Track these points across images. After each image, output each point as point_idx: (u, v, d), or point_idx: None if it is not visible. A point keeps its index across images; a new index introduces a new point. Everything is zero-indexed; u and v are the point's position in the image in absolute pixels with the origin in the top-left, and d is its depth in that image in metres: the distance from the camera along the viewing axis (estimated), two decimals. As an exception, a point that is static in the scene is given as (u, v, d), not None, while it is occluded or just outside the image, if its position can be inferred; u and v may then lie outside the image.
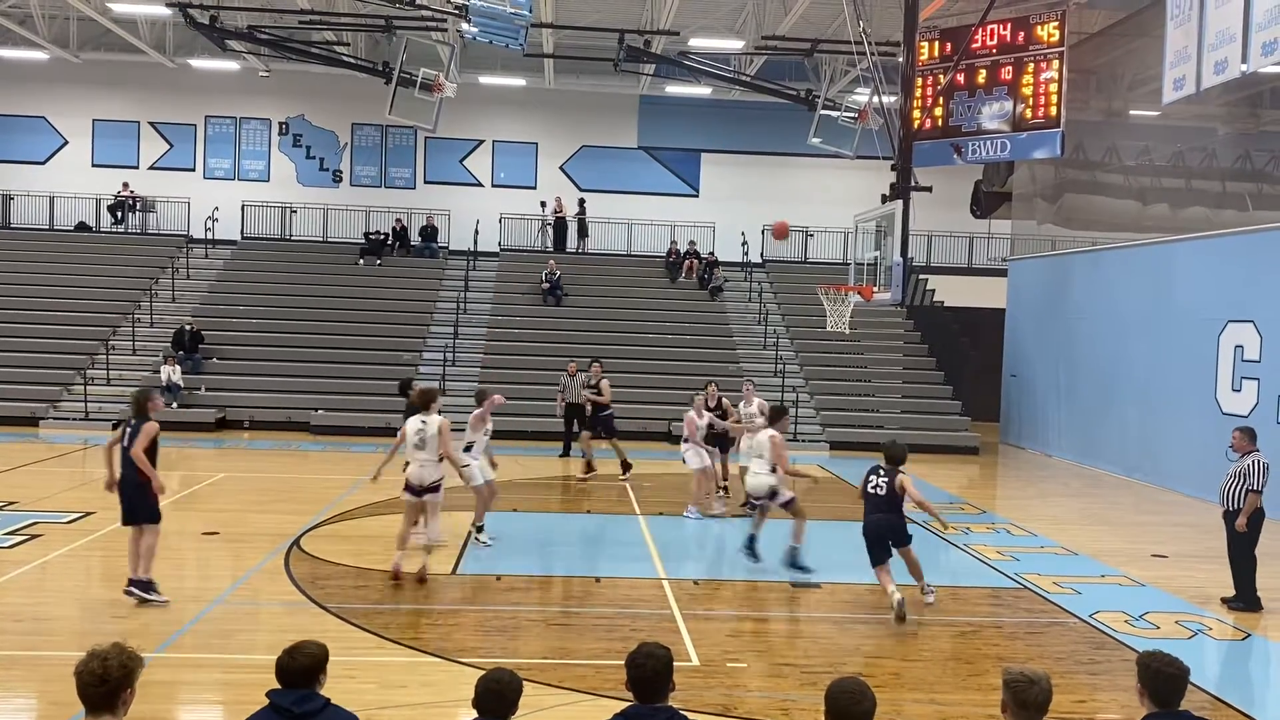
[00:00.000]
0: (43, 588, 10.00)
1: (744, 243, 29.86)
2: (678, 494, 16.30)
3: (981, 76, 19.38)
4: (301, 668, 4.03)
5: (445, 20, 23.19)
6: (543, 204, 30.29)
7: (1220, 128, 20.03)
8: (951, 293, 29.13)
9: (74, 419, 21.54)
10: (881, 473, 9.87)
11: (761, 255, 30.12)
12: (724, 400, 16.13)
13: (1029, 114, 18.80)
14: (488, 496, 11.97)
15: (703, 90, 28.98)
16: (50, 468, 17.06)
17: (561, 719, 6.73)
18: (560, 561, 11.98)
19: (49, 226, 29.33)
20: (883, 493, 9.80)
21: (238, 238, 29.41)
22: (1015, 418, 24.97)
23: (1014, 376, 25.11)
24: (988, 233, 29.07)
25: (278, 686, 4.03)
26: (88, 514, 12.93)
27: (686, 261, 28.90)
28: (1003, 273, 26.50)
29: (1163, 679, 4.35)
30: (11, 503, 13.47)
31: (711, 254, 29.19)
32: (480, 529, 12.01)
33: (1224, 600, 10.56)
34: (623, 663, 4.25)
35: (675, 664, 4.24)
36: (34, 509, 13.12)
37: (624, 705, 4.13)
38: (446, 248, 29.56)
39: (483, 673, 4.23)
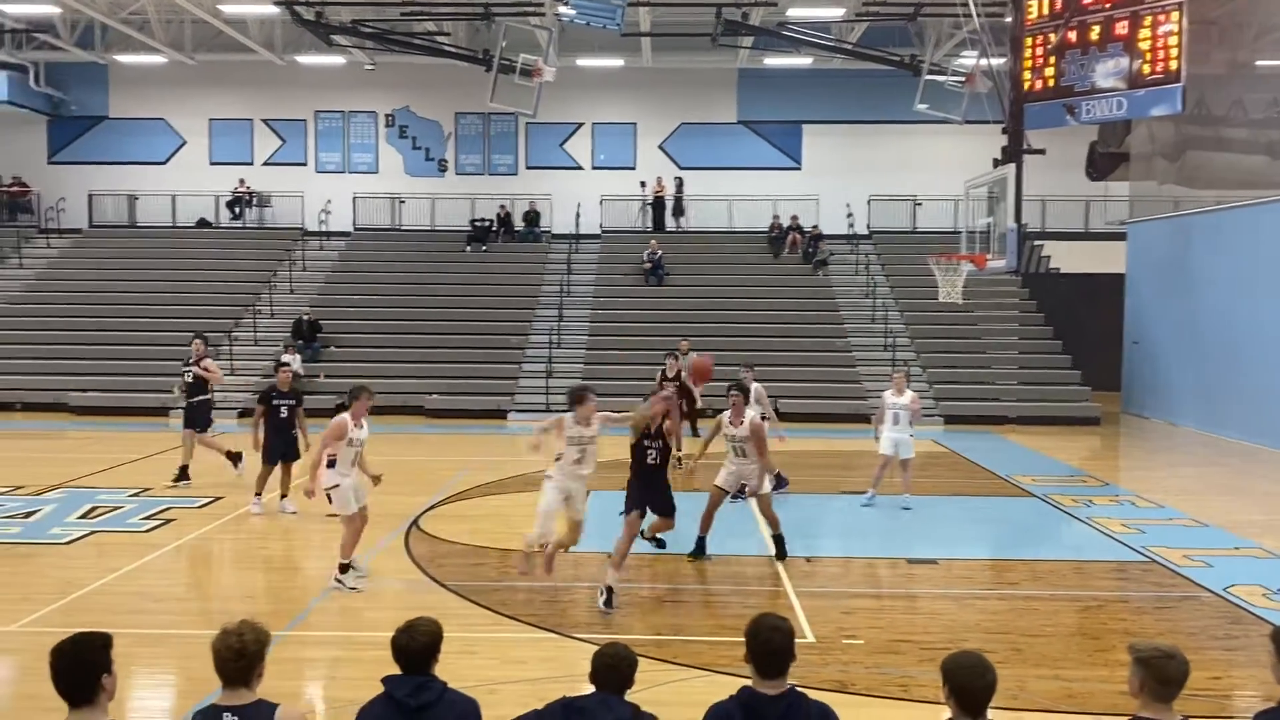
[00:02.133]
0: (178, 569, 10.46)
1: (849, 214, 29.37)
2: (786, 471, 16.20)
3: (1095, 32, 18.60)
4: (421, 646, 4.07)
5: (543, 5, 23.33)
6: (642, 184, 30.28)
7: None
8: (1068, 259, 28.13)
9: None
10: None
11: (868, 226, 29.58)
12: (683, 372, 15.73)
13: (1146, 69, 17.97)
14: (359, 525, 9.44)
15: (803, 61, 28.52)
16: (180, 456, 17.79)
17: (676, 694, 6.75)
18: (672, 539, 12.00)
19: (171, 224, 30.60)
20: None
21: (350, 229, 30.21)
22: (1138, 387, 24.04)
23: (1136, 344, 24.18)
24: (1105, 195, 27.98)
25: (396, 669, 4.08)
26: (217, 499, 13.48)
27: (790, 236, 28.57)
28: (1122, 236, 25.49)
29: None
30: (146, 489, 14.12)
31: (815, 227, 28.79)
32: (347, 568, 9.41)
33: None
34: (737, 638, 4.21)
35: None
36: (167, 495, 13.73)
37: (741, 681, 4.07)
38: (549, 232, 29.83)
39: (599, 648, 4.26)
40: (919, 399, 13.92)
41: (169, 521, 12.16)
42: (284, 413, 12.66)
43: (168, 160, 31.40)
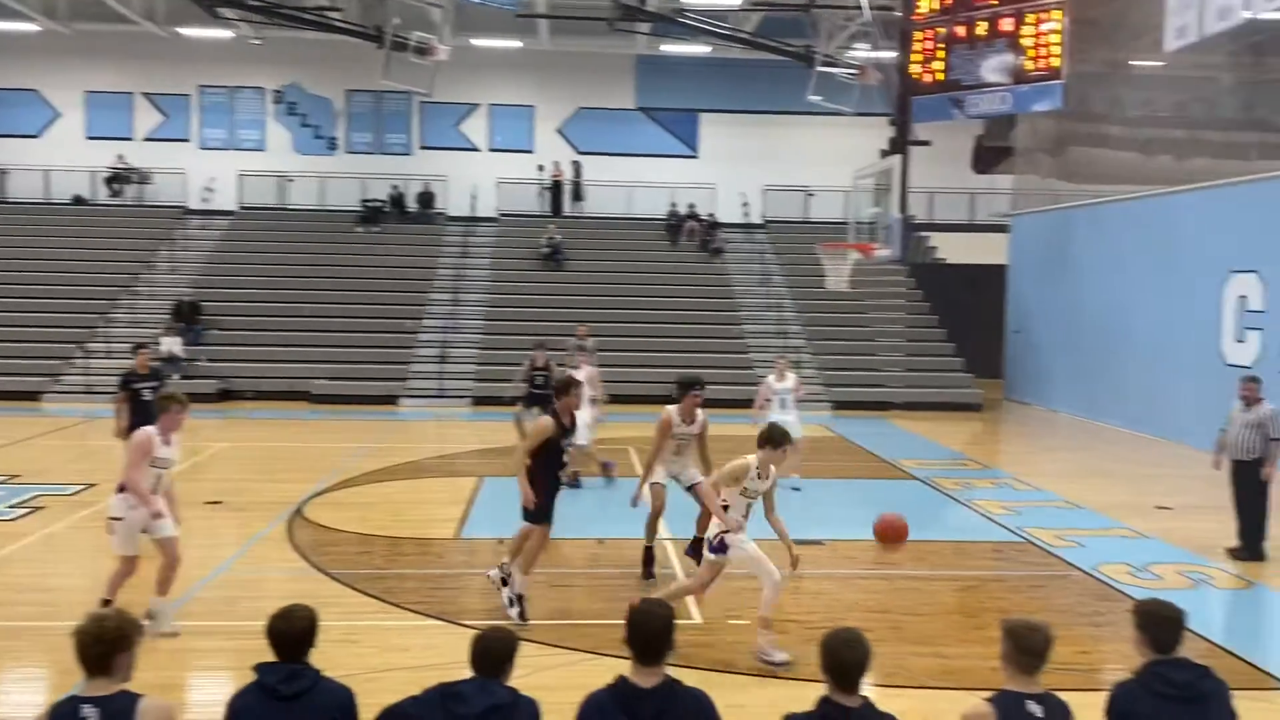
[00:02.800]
0: (47, 559, 10.02)
1: (745, 203, 29.68)
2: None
3: (982, 28, 19.15)
4: (298, 632, 3.99)
5: (437, -18, 22.91)
6: (540, 168, 30.08)
7: (1223, 76, 19.76)
8: (954, 249, 28.96)
9: (74, 392, 21.53)
10: None
11: (763, 216, 29.95)
12: (551, 363, 15.74)
13: (1030, 66, 18.60)
14: (174, 559, 7.82)
15: (700, 49, 28.66)
16: (52, 441, 17.08)
17: (563, 678, 6.72)
18: (564, 523, 11.92)
19: (45, 200, 29.20)
20: None
21: (235, 208, 29.27)
22: (1019, 374, 24.91)
23: (1017, 333, 25.02)
24: (989, 188, 28.86)
25: (271, 657, 3.98)
26: (90, 485, 12.93)
27: (687, 224, 28.73)
28: (1005, 228, 26.33)
29: (1159, 622, 4.33)
30: (15, 476, 13.48)
31: (711, 215, 29.02)
32: (152, 615, 7.58)
33: (1229, 550, 10.53)
34: (623, 621, 4.20)
35: (678, 623, 4.20)
36: (37, 482, 13.13)
37: (627, 665, 4.04)
38: (444, 213, 29.40)
39: (477, 632, 4.20)
40: (802, 383, 14.14)
41: (37, 510, 11.63)
42: (146, 396, 11.97)
43: (40, 133, 29.96)
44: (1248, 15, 14.09)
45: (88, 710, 3.57)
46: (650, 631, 3.96)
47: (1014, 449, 19.68)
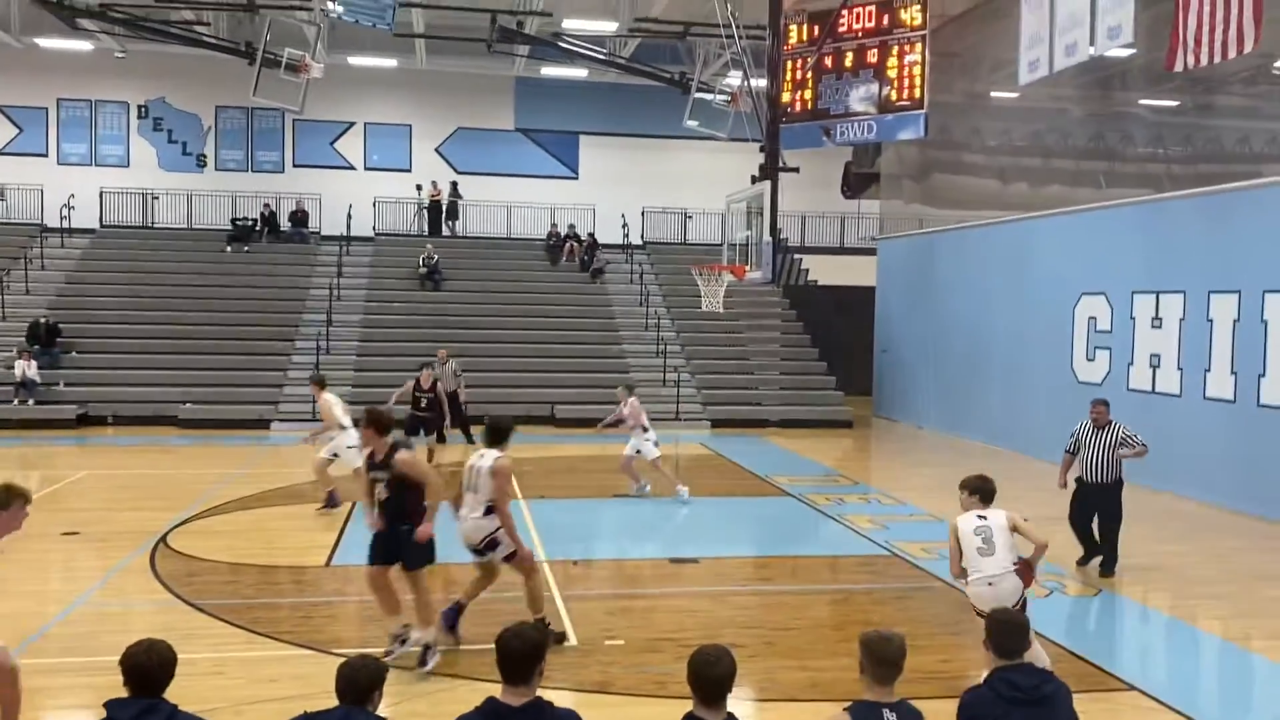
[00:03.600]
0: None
1: (624, 225, 29.96)
2: (557, 477, 16.40)
3: (849, 59, 19.83)
4: (156, 664, 3.90)
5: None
6: (418, 187, 29.80)
7: (1074, 109, 20.93)
8: (825, 271, 29.84)
9: (-81, 419, 20.31)
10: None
11: (642, 237, 30.27)
12: (438, 383, 16.58)
13: (895, 96, 19.33)
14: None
15: (579, 72, 28.90)
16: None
17: (433, 705, 6.69)
18: (438, 548, 11.85)
19: (-114, 216, 27.56)
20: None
21: (96, 226, 28.12)
22: (887, 392, 25.74)
23: (885, 352, 25.87)
24: (858, 212, 29.82)
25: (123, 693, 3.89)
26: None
27: (567, 244, 28.84)
28: (873, 251, 27.23)
29: (1003, 630, 4.59)
30: None
31: (591, 236, 29.20)
32: None
33: (1079, 561, 11.00)
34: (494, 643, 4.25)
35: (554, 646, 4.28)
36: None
37: (498, 690, 4.09)
38: (318, 233, 28.84)
39: (342, 660, 4.19)
40: (639, 406, 14.72)
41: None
42: None
43: (-120, 145, 28.29)
44: (1093, 52, 14.96)
45: None
46: (518, 652, 4.01)
47: (882, 464, 20.32)
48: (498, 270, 27.99)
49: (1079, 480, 10.84)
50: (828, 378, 25.23)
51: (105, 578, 9.97)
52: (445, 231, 29.69)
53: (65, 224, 27.49)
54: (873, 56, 19.49)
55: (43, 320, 22.76)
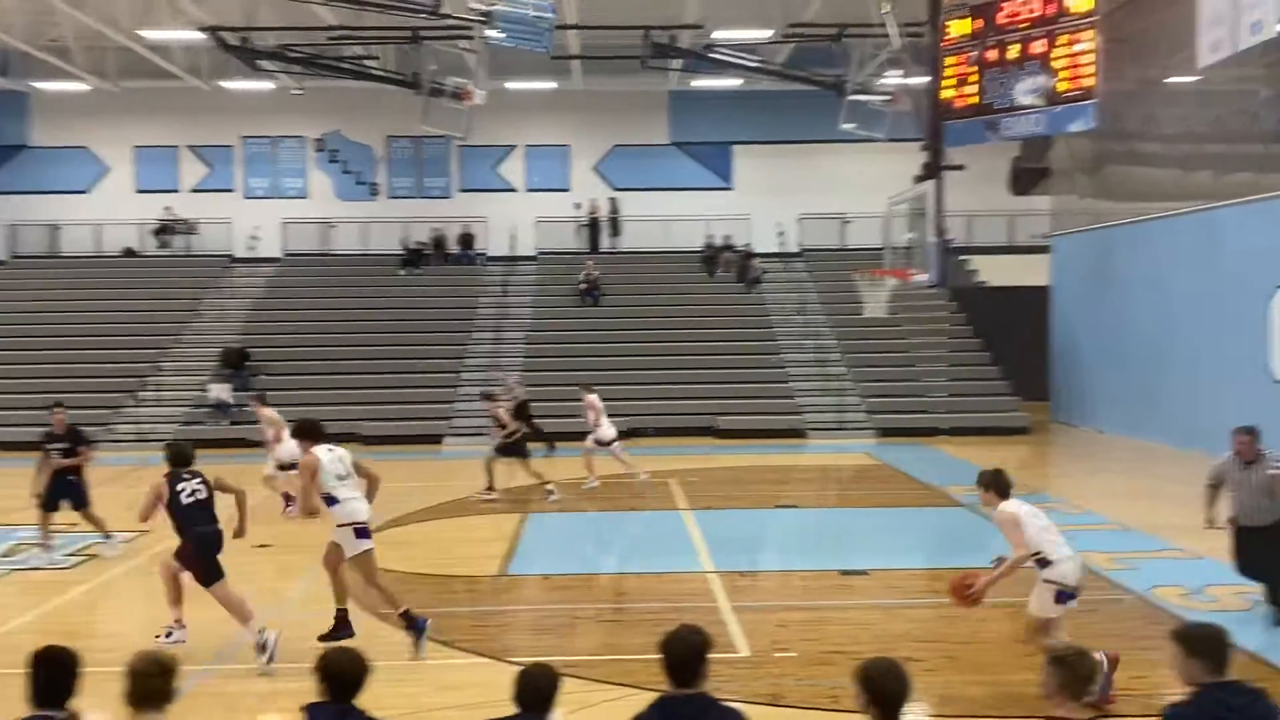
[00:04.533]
0: (101, 605, 10.21)
1: (780, 233, 29.73)
2: (720, 488, 16.34)
3: (1013, 51, 19.14)
4: (352, 672, 4.05)
5: (471, 27, 23.32)
6: (577, 205, 30.37)
7: (1261, 89, 19.56)
8: (994, 272, 28.74)
9: (127, 440, 21.94)
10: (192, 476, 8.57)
11: (799, 244, 29.96)
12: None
13: (1063, 86, 18.53)
14: None
15: (732, 82, 28.87)
16: (106, 490, 17.34)
17: (609, 713, 6.74)
18: (606, 559, 12.02)
19: (96, 253, 29.94)
20: (204, 496, 8.51)
21: (279, 254, 29.83)
22: (1065, 395, 24.62)
23: (1062, 354, 24.75)
24: (1028, 210, 28.65)
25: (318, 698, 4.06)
26: (144, 532, 13.15)
27: (723, 255, 28.82)
28: (1045, 249, 26.13)
29: (1207, 642, 4.26)
30: (72, 524, 13.74)
31: (748, 246, 29.09)
32: None
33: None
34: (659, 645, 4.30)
35: (724, 656, 4.32)
36: (92, 530, 13.37)
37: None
38: (484, 254, 29.75)
39: (521, 668, 4.26)
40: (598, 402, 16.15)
41: (92, 558, 11.86)
42: (55, 456, 11.70)
43: (91, 189, 30.74)
44: (1281, 28, 13.99)
45: None
46: (682, 655, 4.07)
47: (1062, 472, 19.43)
48: (655, 284, 28.23)
49: (1234, 522, 9.11)
50: (1000, 382, 24.31)
51: (298, 588, 10.49)
52: (607, 247, 30.12)
53: (251, 254, 29.26)
54: (1039, 46, 18.75)
55: (234, 345, 24.27)
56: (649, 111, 30.81)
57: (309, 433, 8.70)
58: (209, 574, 8.32)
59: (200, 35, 23.84)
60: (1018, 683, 7.44)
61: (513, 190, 31.11)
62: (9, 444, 21.46)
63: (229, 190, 30.94)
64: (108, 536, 12.12)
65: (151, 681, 3.88)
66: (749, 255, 28.68)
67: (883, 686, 3.86)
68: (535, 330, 26.18)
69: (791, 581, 10.79)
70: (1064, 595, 6.97)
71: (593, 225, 30.11)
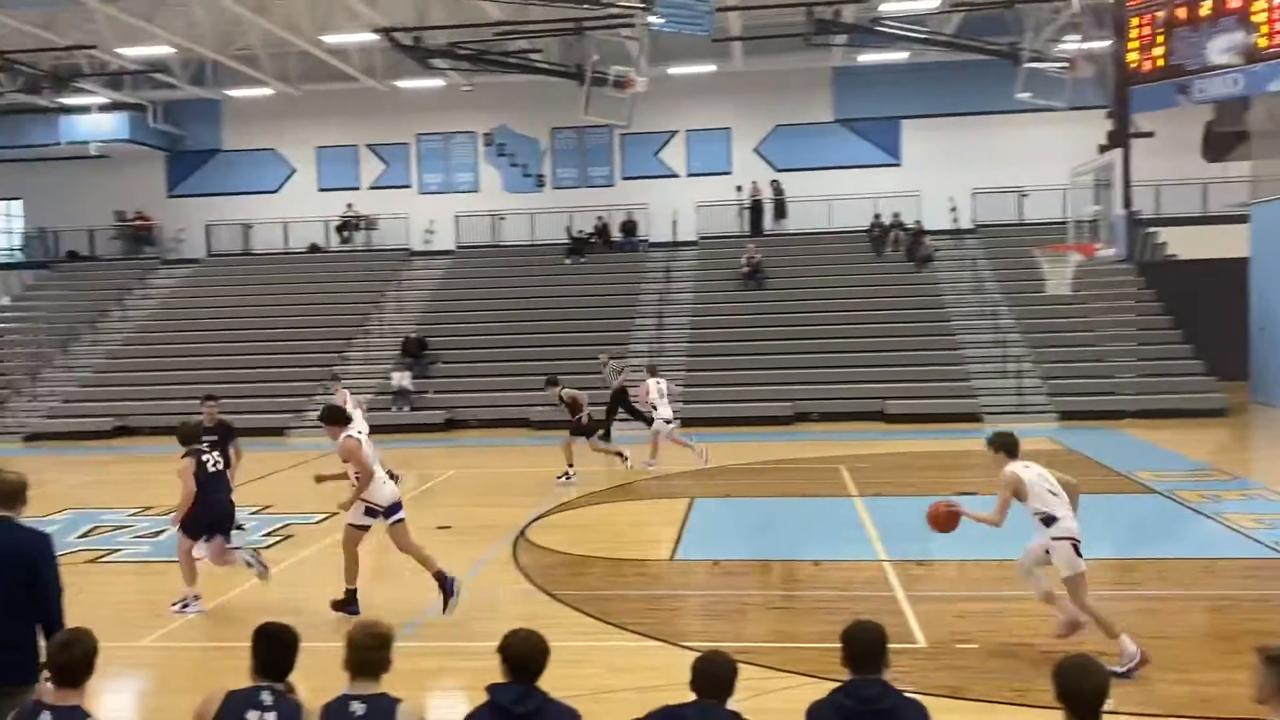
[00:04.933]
0: (297, 583, 10.80)
1: (953, 209, 28.75)
2: (891, 474, 15.96)
3: (1206, 8, 17.88)
4: (535, 655, 4.12)
5: (633, 15, 23.45)
6: (738, 188, 30.19)
7: None
8: (1185, 244, 26.95)
9: (316, 427, 23.01)
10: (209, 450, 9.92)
11: (973, 220, 28.91)
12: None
13: (1264, 42, 17.18)
14: None
15: (899, 55, 28.07)
16: (298, 473, 18.39)
17: (785, 701, 6.66)
18: (777, 545, 11.90)
19: (284, 250, 31.69)
20: (222, 467, 9.95)
21: (453, 247, 30.84)
22: (1266, 375, 22.91)
23: (1262, 330, 23.05)
24: (1223, 177, 26.76)
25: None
26: (334, 514, 13.85)
27: (891, 233, 28.10)
28: (1243, 219, 24.35)
29: None
30: (267, 506, 14.62)
31: (918, 223, 28.27)
32: None
33: None
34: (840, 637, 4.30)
35: (902, 646, 4.26)
36: (287, 512, 14.19)
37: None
38: (646, 240, 29.94)
39: (699, 655, 4.24)
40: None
41: (288, 538, 12.56)
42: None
43: (279, 189, 32.52)
44: None
45: (356, 705, 3.96)
46: (863, 643, 4.15)
47: (1265, 456, 18.10)
48: (820, 265, 27.78)
49: None
50: (1193, 362, 22.83)
51: (475, 568, 10.83)
52: (771, 229, 29.83)
53: (427, 247, 30.38)
54: (1235, 1, 17.42)
55: (412, 335, 25.25)
56: (812, 90, 30.29)
57: (335, 418, 9.63)
58: (194, 532, 9.58)
59: (375, 37, 24.84)
60: (1217, 681, 6.98)
61: (674, 176, 31.18)
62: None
63: (405, 186, 32.15)
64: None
65: (369, 653, 4.08)
66: (919, 233, 27.86)
67: (1078, 686, 3.66)
68: (698, 315, 26.18)
69: (969, 571, 10.41)
70: (1078, 547, 7.35)
71: (755, 208, 29.87)
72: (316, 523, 13.41)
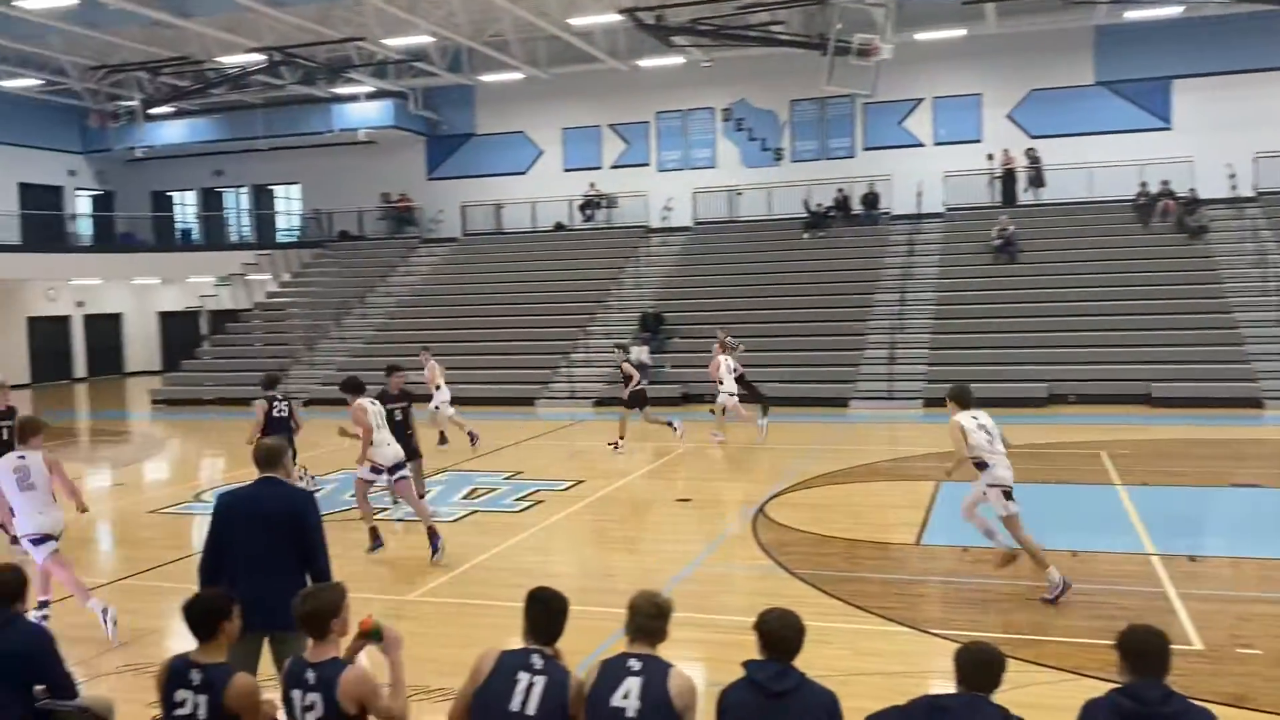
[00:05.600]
0: (547, 547, 11.26)
1: (1231, 175, 26.32)
2: (1158, 462, 14.88)
3: None
4: (795, 633, 4.14)
5: (878, -19, 22.80)
6: (989, 156, 28.79)
7: None
8: None
9: (561, 398, 24.02)
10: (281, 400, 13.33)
11: (1254, 187, 26.35)
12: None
13: None
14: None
15: (1171, 10, 25.85)
16: (546, 441, 19.18)
17: (1042, 697, 6.33)
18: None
19: (531, 229, 32.98)
20: (286, 414, 13.17)
21: (690, 224, 31.11)
22: None
23: None
24: None
25: (741, 652, 4.17)
26: (580, 482, 14.37)
27: (1160, 203, 26.03)
28: None
29: None
30: (518, 472, 15.31)
31: (1191, 191, 26.05)
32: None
33: None
34: (1111, 643, 4.03)
35: (1177, 648, 3.96)
36: (536, 478, 14.82)
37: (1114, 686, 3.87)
38: (888, 213, 29.12)
39: (964, 645, 4.09)
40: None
41: (538, 503, 13.10)
42: (399, 416, 12.30)
43: (527, 170, 33.83)
44: None
45: (633, 662, 4.12)
46: (1158, 648, 3.90)
47: None
48: (1079, 237, 26.08)
49: None
50: None
51: (714, 543, 10.94)
52: (1026, 199, 28.32)
53: (665, 224, 30.80)
54: None
55: (650, 310, 25.70)
56: (1071, 51, 28.43)
57: (352, 387, 11.07)
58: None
59: (619, 17, 25.32)
60: None
61: (919, 145, 30.11)
62: (481, 399, 23.72)
63: (644, 164, 32.69)
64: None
65: (650, 621, 4.22)
66: (1192, 201, 25.67)
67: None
68: (943, 290, 25.23)
69: (1248, 569, 9.55)
70: (1008, 493, 8.53)
71: (1007, 177, 28.40)
72: (564, 489, 13.93)
